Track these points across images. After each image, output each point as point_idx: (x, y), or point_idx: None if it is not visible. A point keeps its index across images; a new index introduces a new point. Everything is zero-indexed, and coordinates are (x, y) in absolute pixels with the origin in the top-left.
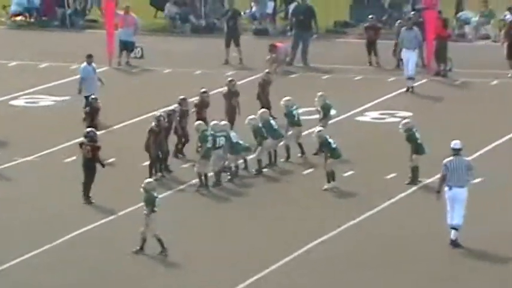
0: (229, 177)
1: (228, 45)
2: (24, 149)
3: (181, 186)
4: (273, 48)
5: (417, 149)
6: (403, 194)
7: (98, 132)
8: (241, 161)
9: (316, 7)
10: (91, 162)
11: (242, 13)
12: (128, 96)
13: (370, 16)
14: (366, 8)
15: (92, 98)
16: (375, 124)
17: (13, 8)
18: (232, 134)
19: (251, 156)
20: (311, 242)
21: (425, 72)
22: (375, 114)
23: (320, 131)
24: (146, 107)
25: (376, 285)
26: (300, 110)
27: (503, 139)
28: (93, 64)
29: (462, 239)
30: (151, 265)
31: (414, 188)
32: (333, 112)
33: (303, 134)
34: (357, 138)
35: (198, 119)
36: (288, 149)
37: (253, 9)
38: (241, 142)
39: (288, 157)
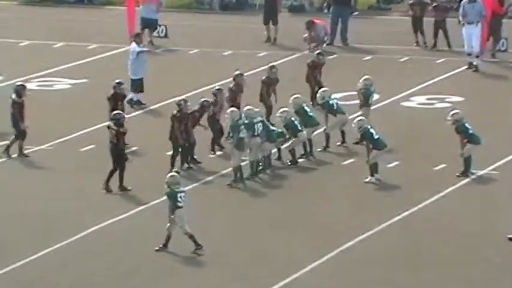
0: (261, 167)
1: (266, 22)
2: (37, 137)
3: (210, 178)
4: (311, 25)
5: (470, 139)
6: (453, 187)
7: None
8: (274, 149)
9: None
10: (116, 148)
11: None
12: (150, 79)
13: None
14: None
15: (117, 83)
16: (422, 110)
17: None
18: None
19: (285, 146)
20: (349, 241)
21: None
22: (422, 99)
23: (361, 120)
24: (169, 91)
25: None
26: (338, 96)
27: None
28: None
29: None
30: (173, 263)
31: (466, 180)
32: (372, 99)
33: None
34: (403, 125)
35: (232, 106)
36: (328, 137)
37: None
38: (274, 128)
39: (327, 146)
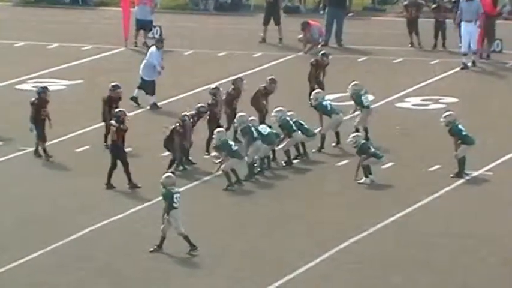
0: (259, 169)
1: (266, 23)
2: (31, 138)
3: (207, 178)
4: (306, 26)
5: (464, 140)
6: (448, 188)
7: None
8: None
9: None
10: (116, 145)
11: None
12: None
13: None
14: None
15: (112, 86)
16: (417, 111)
17: None
18: (261, 126)
19: (279, 146)
20: (344, 242)
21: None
22: (416, 100)
23: (356, 135)
24: (164, 92)
25: None
26: (333, 97)
27: None
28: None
29: None
30: (168, 265)
31: (461, 181)
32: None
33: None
34: (397, 126)
35: (227, 109)
36: (323, 138)
37: None
38: (268, 130)
39: (322, 147)
